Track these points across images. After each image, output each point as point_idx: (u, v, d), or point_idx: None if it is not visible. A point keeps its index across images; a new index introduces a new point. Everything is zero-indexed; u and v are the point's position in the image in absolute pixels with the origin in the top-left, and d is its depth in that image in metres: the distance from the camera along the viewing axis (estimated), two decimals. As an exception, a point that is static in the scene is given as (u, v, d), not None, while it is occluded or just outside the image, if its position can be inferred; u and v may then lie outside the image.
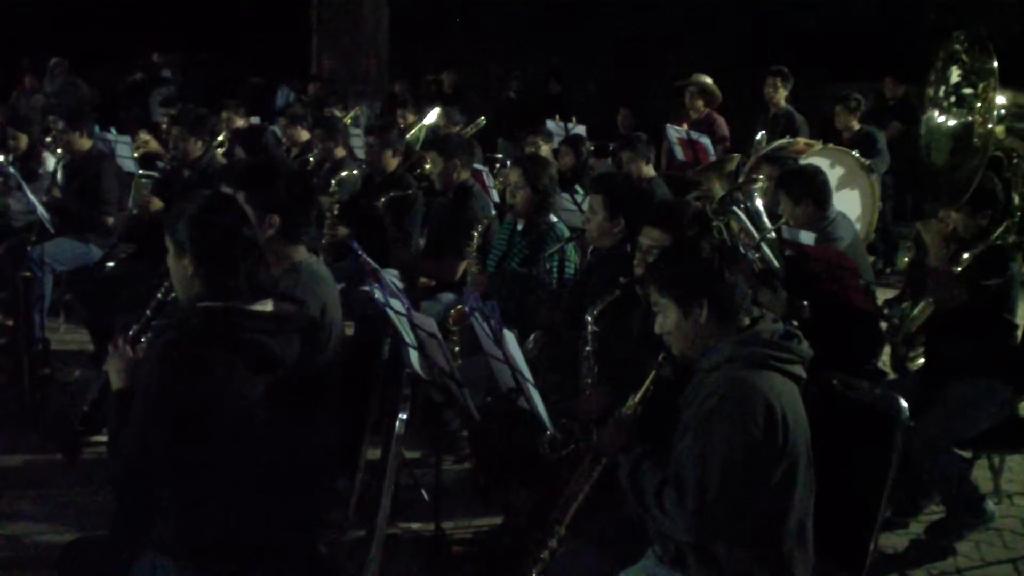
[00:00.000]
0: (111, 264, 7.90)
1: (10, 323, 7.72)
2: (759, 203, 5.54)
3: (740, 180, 7.45)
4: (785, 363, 3.34)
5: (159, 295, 3.81)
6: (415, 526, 5.18)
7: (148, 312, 3.80)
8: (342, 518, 4.87)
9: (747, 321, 3.43)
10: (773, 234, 5.40)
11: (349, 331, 5.36)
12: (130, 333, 3.70)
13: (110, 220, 8.12)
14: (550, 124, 10.70)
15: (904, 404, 3.55)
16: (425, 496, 5.22)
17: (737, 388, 3.24)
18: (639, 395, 3.53)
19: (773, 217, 5.68)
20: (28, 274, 7.40)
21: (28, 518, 5.34)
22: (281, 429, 3.52)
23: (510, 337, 3.82)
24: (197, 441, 3.23)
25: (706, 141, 9.47)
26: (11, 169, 7.85)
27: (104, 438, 5.35)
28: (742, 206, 5.35)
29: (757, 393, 3.22)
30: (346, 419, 4.28)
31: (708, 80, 10.92)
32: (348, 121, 11.05)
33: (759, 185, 6.21)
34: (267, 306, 3.43)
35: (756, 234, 5.31)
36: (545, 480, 4.49)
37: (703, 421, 3.23)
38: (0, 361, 7.30)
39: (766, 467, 3.23)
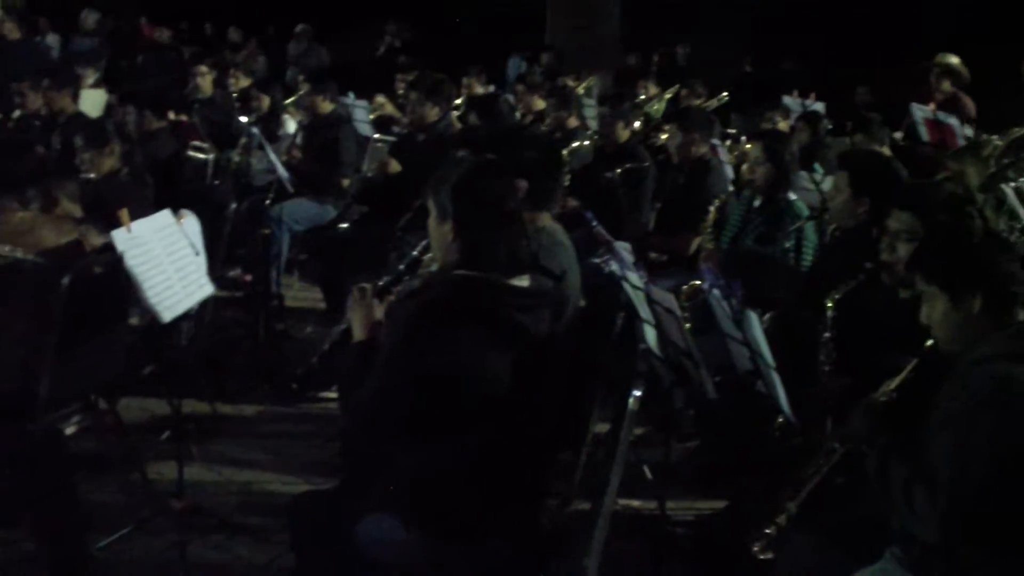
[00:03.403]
0: (345, 225, 8.07)
1: (248, 278, 8.00)
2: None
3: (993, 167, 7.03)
4: None
5: (415, 252, 3.76)
6: (636, 504, 5.10)
7: (401, 267, 3.77)
8: (566, 490, 4.83)
9: (1022, 315, 3.18)
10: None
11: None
12: (379, 283, 3.65)
13: (346, 182, 8.29)
14: (787, 100, 10.38)
15: None
16: (648, 474, 5.13)
17: (1005, 385, 3.00)
18: (896, 382, 3.32)
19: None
20: (267, 231, 7.64)
21: (259, 467, 5.52)
22: (514, 399, 3.47)
23: (752, 318, 3.67)
24: (434, 409, 3.18)
25: (954, 122, 8.97)
26: (254, 130, 8.10)
27: (333, 394, 5.50)
28: (1012, 185, 5.00)
29: None
30: (575, 391, 4.21)
31: (955, 60, 10.36)
32: (581, 91, 10.98)
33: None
34: (524, 281, 3.34)
35: (1024, 216, 4.95)
36: (775, 466, 4.33)
37: (964, 417, 3.01)
38: (237, 315, 7.55)
39: (1031, 472, 3.00)
